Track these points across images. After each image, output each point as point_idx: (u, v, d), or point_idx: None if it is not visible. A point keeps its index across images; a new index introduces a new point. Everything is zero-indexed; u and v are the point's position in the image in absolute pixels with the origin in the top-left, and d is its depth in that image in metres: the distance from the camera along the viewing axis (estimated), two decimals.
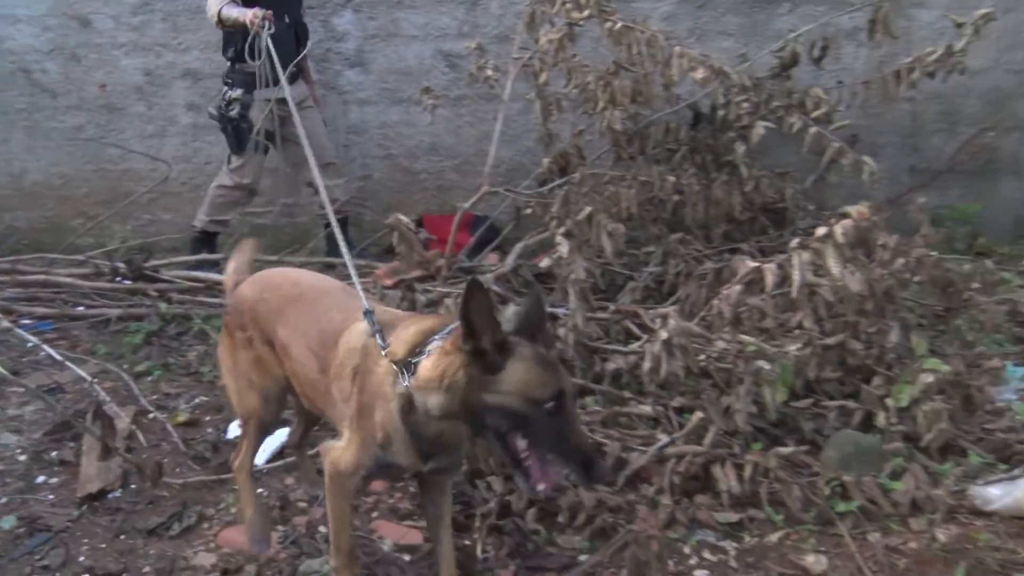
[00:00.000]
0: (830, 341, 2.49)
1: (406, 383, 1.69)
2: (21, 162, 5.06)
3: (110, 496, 2.48)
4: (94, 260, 4.29)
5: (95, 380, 2.93)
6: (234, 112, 4.23)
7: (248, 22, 4.03)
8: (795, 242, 2.29)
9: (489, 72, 3.65)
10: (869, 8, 4.38)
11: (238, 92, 4.23)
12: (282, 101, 4.21)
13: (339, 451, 1.86)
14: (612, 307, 3.19)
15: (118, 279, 4.11)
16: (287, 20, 4.26)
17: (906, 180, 4.80)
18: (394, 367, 1.72)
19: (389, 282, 3.25)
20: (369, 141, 4.88)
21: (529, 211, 3.46)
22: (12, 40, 4.86)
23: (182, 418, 2.85)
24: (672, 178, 3.35)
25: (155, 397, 3.02)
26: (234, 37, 4.22)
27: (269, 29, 4.00)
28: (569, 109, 4.00)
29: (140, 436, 2.73)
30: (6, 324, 3.28)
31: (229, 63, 4.29)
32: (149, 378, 3.18)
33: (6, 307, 3.86)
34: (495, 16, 4.70)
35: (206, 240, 4.55)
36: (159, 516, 2.37)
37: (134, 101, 4.97)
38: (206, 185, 4.96)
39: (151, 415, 2.85)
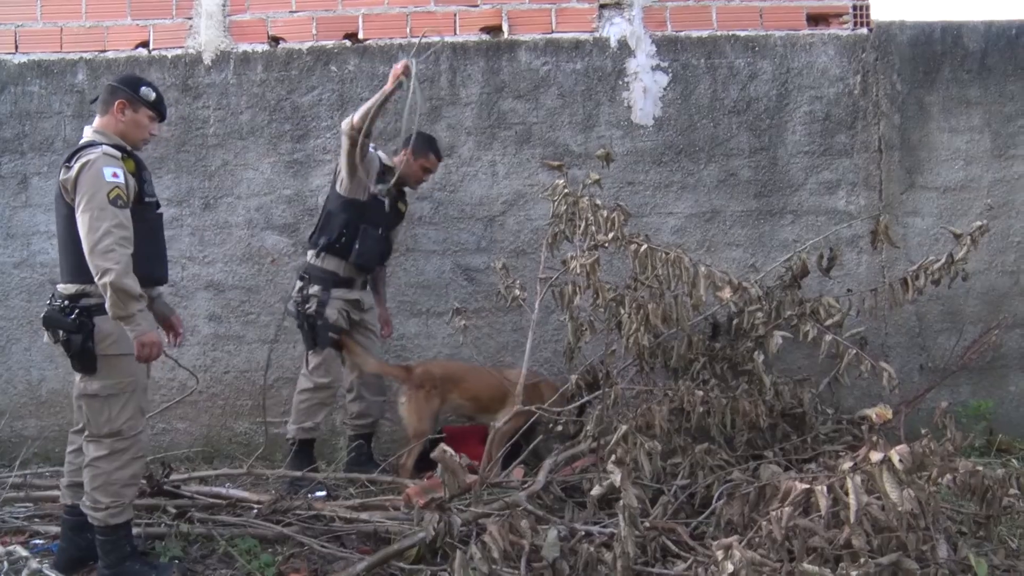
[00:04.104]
0: (884, 561, 2.44)
1: None
2: (40, 370, 5.09)
3: None
4: None
5: None
6: (311, 309, 4.24)
7: (390, 82, 4.03)
8: (847, 464, 2.30)
9: (517, 291, 3.79)
10: (868, 219, 4.68)
11: (315, 289, 4.26)
12: (354, 304, 4.35)
13: None
14: (647, 523, 3.14)
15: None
16: (381, 231, 4.38)
17: (917, 380, 4.89)
18: None
19: (421, 501, 3.21)
20: (388, 353, 4.93)
21: (560, 428, 3.49)
22: (45, 254, 5.02)
23: None
24: (700, 392, 3.41)
25: None
26: (334, 221, 4.26)
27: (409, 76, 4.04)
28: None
29: None
30: (21, 552, 3.16)
31: (315, 252, 4.30)
32: None
33: (20, 527, 3.76)
34: (512, 232, 4.93)
35: (304, 450, 4.35)
36: None
37: None
38: (224, 394, 5.02)
39: None
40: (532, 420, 3.78)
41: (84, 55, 5.06)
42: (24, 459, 4.76)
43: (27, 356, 5.09)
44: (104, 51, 5.08)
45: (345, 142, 4.11)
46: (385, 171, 4.39)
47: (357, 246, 4.25)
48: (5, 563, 3.04)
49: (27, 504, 4.03)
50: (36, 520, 3.86)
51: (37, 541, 3.67)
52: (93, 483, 3.10)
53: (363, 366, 4.34)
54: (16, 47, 5.10)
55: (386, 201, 4.39)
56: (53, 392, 5.10)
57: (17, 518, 3.87)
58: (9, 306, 5.08)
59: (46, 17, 5.11)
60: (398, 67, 4.03)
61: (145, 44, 5.09)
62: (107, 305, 2.96)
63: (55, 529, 3.72)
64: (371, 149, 4.29)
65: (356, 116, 4.06)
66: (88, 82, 5.02)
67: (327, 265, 4.28)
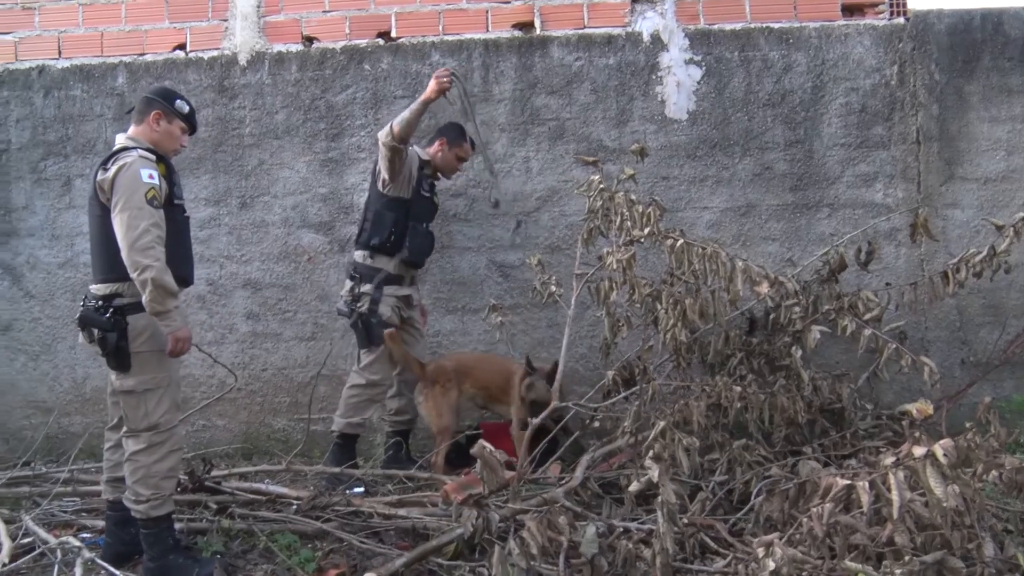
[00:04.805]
0: (929, 559, 2.41)
1: None
2: (85, 368, 5.19)
3: None
4: None
5: None
6: (364, 307, 4.30)
7: (434, 89, 4.09)
8: (890, 460, 2.28)
9: (552, 288, 3.80)
10: (907, 212, 4.61)
11: (367, 287, 4.31)
12: (405, 300, 4.42)
13: None
14: (685, 520, 3.13)
15: (178, 489, 4.09)
16: (426, 226, 4.47)
17: (958, 374, 4.81)
18: None
19: (459, 498, 3.23)
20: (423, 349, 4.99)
21: (597, 424, 3.49)
22: (89, 254, 5.11)
23: None
24: (738, 388, 3.39)
25: None
26: (384, 221, 4.32)
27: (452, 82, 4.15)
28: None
29: None
30: (74, 543, 3.23)
31: (368, 252, 4.37)
32: None
33: (69, 521, 3.85)
34: (546, 228, 4.93)
35: (346, 445, 4.41)
36: None
37: (196, 310, 5.15)
38: (262, 391, 5.08)
39: None
40: (550, 410, 3.75)
41: (124, 59, 5.15)
42: (72, 455, 4.88)
43: (72, 354, 5.20)
44: (143, 54, 5.17)
45: (385, 152, 4.18)
46: (424, 164, 4.46)
47: (408, 243, 4.34)
48: (58, 553, 3.11)
49: (75, 499, 4.14)
50: (84, 514, 3.97)
51: (85, 535, 3.75)
52: (133, 476, 3.19)
53: (394, 357, 4.39)
54: (59, 52, 5.21)
55: (432, 196, 4.49)
56: (97, 389, 5.19)
57: (66, 512, 3.97)
58: (55, 305, 5.20)
59: (87, 23, 5.21)
60: (443, 78, 4.09)
61: (182, 46, 5.17)
62: (145, 300, 3.03)
63: (101, 523, 3.80)
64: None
65: (396, 126, 4.11)
66: (128, 85, 5.11)
67: (377, 263, 4.35)
